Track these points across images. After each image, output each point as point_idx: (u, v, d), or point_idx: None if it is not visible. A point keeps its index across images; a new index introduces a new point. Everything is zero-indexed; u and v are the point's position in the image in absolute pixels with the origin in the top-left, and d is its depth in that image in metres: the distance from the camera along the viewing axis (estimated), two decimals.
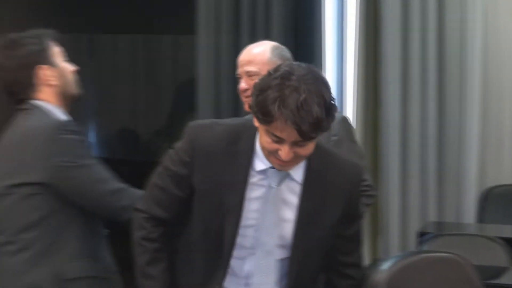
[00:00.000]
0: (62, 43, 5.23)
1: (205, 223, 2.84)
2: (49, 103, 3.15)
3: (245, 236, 2.81)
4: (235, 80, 5.15)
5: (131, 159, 6.00)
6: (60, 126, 3.07)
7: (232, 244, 2.81)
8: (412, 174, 5.55)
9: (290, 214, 2.79)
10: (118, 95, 6.08)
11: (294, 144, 2.56)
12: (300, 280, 2.82)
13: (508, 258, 4.39)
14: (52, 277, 3.05)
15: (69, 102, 3.22)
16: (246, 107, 3.59)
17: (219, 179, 2.81)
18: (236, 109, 5.35)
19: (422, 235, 4.82)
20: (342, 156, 2.97)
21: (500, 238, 4.51)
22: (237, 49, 4.96)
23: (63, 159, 3.04)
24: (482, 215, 5.65)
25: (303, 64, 2.65)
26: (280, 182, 2.76)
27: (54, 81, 3.16)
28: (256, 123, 2.68)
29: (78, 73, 3.55)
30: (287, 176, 2.75)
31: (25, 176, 3.06)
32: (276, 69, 2.60)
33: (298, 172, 2.78)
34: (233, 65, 5.03)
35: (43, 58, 3.18)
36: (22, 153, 3.07)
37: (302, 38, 5.32)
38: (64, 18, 5.79)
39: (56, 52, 3.26)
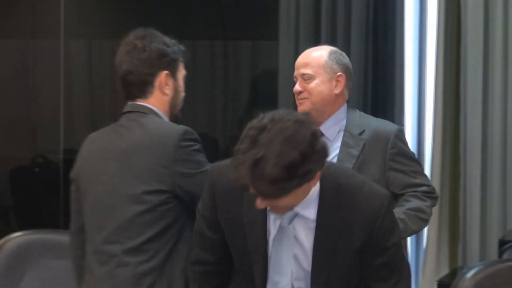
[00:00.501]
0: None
1: (237, 263, 2.85)
2: (159, 110, 3.15)
3: None
4: None
5: None
6: (185, 133, 3.08)
7: (263, 283, 2.80)
8: (493, 181, 5.40)
9: (306, 248, 2.75)
10: (197, 101, 6.06)
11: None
12: None
13: None
14: (179, 284, 3.07)
15: (168, 118, 3.22)
16: (300, 110, 3.60)
17: (240, 220, 2.79)
18: None
19: (503, 244, 4.74)
20: (364, 186, 2.83)
21: None
22: None
23: (188, 166, 3.05)
24: None
25: (292, 114, 2.58)
26: (290, 221, 2.72)
27: (168, 91, 3.14)
28: None
29: None
30: (296, 214, 2.71)
31: (159, 183, 3.06)
32: (262, 117, 2.55)
33: (309, 209, 2.72)
34: None
35: (171, 66, 3.17)
36: (153, 159, 3.07)
37: (383, 43, 5.28)
38: (145, 24, 5.83)
39: (181, 70, 3.26)
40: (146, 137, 3.07)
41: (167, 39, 3.22)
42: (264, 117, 2.51)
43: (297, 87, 3.59)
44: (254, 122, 2.50)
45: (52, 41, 5.85)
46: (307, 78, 3.58)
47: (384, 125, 3.77)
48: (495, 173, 5.36)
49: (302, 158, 2.45)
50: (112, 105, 5.92)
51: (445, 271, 5.03)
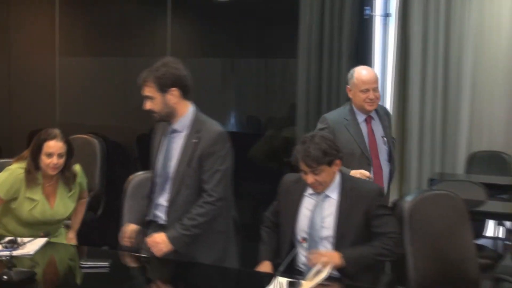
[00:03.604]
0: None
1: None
2: None
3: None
4: (313, 90, 5.11)
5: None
6: None
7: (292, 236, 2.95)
8: (427, 143, 5.62)
9: (332, 218, 2.86)
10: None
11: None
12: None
13: (484, 195, 4.43)
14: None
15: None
16: (371, 109, 3.62)
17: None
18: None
19: (432, 181, 4.94)
20: (361, 179, 3.06)
21: (480, 182, 4.55)
22: (321, 70, 5.07)
23: None
24: (469, 168, 5.72)
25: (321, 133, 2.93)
26: (323, 199, 2.90)
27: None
28: None
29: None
30: (326, 196, 2.88)
31: None
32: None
33: (333, 193, 2.88)
34: (318, 84, 5.08)
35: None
36: None
37: (361, 60, 5.21)
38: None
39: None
40: None
41: None
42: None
43: (373, 95, 3.58)
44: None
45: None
46: (376, 90, 3.62)
47: None
48: (427, 136, 5.58)
49: (329, 148, 2.82)
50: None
51: (394, 197, 4.85)
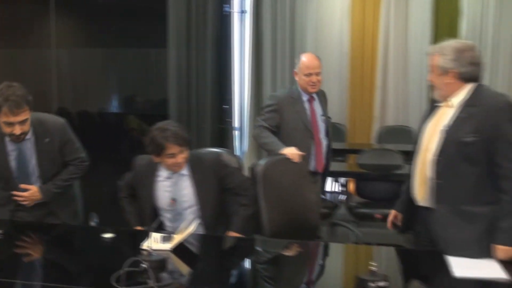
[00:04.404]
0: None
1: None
2: None
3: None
4: (188, 81, 4.99)
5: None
6: None
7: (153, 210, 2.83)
8: None
9: (191, 193, 2.78)
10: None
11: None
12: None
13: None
14: None
15: None
16: (314, 91, 3.53)
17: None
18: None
19: None
20: (201, 152, 2.92)
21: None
22: (189, 59, 4.93)
23: None
24: None
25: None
26: (178, 179, 2.79)
27: None
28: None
29: None
30: (183, 174, 2.78)
31: None
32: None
33: (184, 169, 2.77)
34: (186, 71, 4.94)
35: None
36: None
37: (223, 49, 5.20)
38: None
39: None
40: None
41: None
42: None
43: (315, 79, 3.52)
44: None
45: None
46: (318, 74, 3.55)
47: None
48: None
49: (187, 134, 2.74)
50: None
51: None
